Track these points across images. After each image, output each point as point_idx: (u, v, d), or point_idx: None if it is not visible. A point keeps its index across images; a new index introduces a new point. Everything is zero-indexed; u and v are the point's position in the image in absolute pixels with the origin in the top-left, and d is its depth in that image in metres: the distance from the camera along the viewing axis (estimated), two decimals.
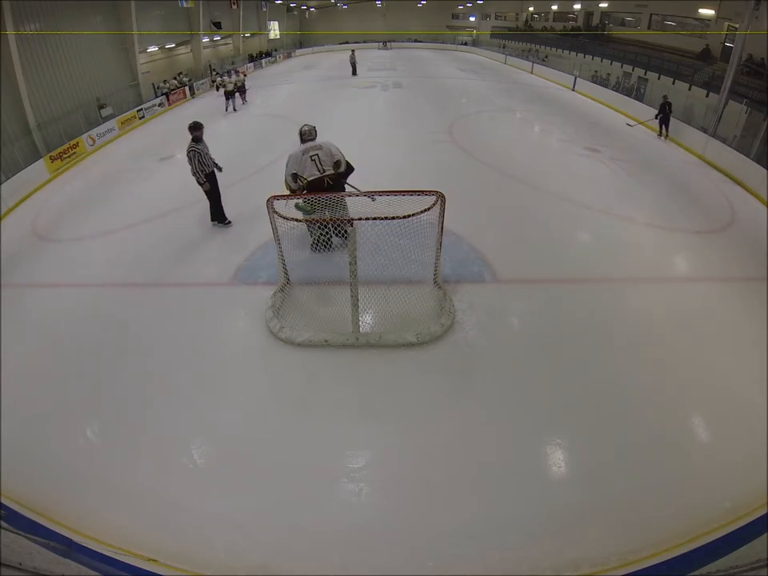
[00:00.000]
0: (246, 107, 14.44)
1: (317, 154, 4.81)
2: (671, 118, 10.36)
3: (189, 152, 5.54)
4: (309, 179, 4.81)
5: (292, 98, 15.40)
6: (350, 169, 5.13)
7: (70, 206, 7.66)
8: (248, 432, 3.20)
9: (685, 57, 14.74)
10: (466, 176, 7.49)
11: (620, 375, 3.58)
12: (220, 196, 6.00)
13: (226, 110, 13.88)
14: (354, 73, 19.89)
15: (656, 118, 10.64)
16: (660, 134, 10.66)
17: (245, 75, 16.34)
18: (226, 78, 15.04)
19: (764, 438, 2.94)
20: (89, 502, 2.79)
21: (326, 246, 5.00)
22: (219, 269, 5.08)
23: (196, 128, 5.59)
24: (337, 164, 4.91)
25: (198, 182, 5.74)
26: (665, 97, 10.57)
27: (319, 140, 4.99)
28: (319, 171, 4.81)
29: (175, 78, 17.43)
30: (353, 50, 21.01)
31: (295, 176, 4.87)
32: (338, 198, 4.15)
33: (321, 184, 4.82)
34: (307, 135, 4.94)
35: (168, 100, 15.81)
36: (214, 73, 20.21)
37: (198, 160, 5.54)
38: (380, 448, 3.09)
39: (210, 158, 5.74)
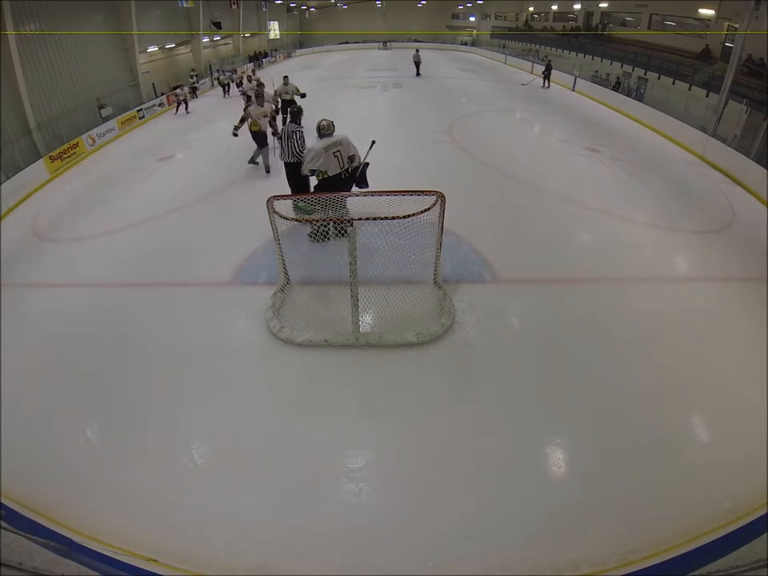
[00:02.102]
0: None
1: (339, 150, 4.94)
2: (551, 73, 16.65)
3: (288, 132, 5.60)
4: (331, 175, 4.96)
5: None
6: (363, 165, 5.23)
7: (70, 206, 7.65)
8: (248, 432, 3.20)
9: (685, 57, 14.75)
10: (466, 176, 7.49)
11: (620, 375, 3.58)
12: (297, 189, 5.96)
13: (267, 172, 7.87)
14: (418, 73, 18.76)
15: (542, 73, 16.77)
16: (543, 85, 16.69)
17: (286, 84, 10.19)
18: (251, 102, 9.15)
19: (764, 438, 2.94)
20: (89, 502, 2.79)
21: (324, 237, 5.10)
22: (219, 269, 5.07)
23: (298, 113, 5.77)
24: (351, 158, 5.07)
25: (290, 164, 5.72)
26: (550, 60, 17.38)
27: (336, 134, 5.05)
28: (341, 167, 5.00)
29: (191, 78, 17.02)
30: (417, 49, 20.46)
31: (313, 171, 4.96)
32: (338, 198, 4.15)
33: (338, 177, 5.03)
34: (326, 130, 4.98)
35: (187, 104, 14.56)
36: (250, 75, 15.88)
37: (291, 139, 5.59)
38: (380, 448, 3.09)
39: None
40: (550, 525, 2.58)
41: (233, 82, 17.61)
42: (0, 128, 9.54)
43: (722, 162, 8.49)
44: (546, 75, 16.57)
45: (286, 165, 5.87)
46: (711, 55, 14.12)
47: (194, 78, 17.50)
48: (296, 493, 2.79)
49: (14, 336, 4.23)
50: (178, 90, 14.84)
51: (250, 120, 7.40)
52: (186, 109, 14.54)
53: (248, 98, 11.33)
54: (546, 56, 18.18)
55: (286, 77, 10.48)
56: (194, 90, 16.35)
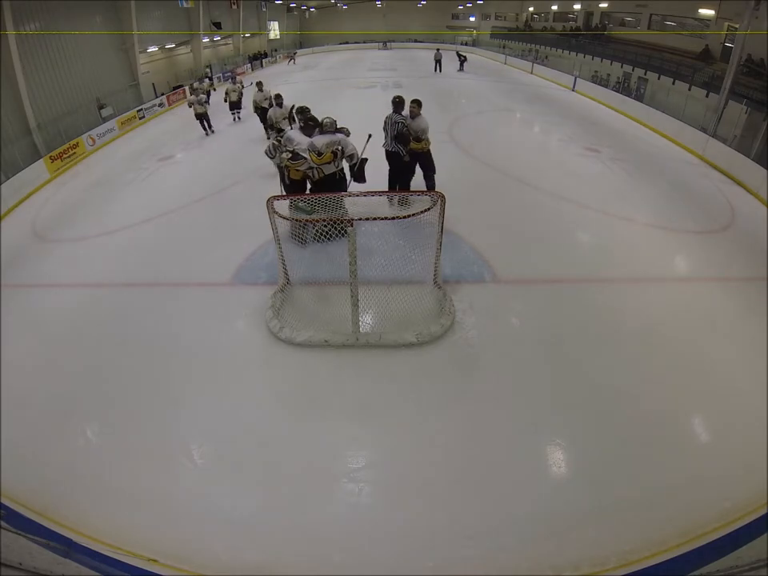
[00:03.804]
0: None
1: (337, 148, 5.00)
2: (464, 64, 20.84)
3: (396, 123, 5.63)
4: (326, 173, 5.00)
5: (292, 98, 15.37)
6: (361, 160, 5.27)
7: (71, 205, 7.65)
8: (248, 432, 3.20)
9: (685, 57, 14.74)
10: (466, 176, 7.48)
11: (620, 375, 3.58)
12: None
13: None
14: (439, 69, 19.83)
15: (458, 59, 20.68)
16: (459, 69, 20.49)
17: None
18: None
19: (764, 438, 2.94)
20: (89, 502, 2.79)
21: (321, 237, 5.09)
22: (219, 269, 5.07)
23: (400, 103, 5.93)
24: (351, 157, 5.12)
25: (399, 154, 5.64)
26: (461, 55, 21.43)
27: (336, 134, 5.10)
28: (336, 167, 5.05)
29: (207, 78, 15.55)
30: (438, 49, 22.01)
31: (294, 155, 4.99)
32: (338, 198, 4.16)
33: (333, 177, 5.07)
34: (328, 128, 5.03)
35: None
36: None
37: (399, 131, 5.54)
38: (380, 448, 3.09)
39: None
40: (550, 525, 2.58)
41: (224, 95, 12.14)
42: (0, 128, 9.54)
43: (721, 162, 8.48)
44: (462, 65, 20.60)
45: (387, 153, 5.84)
46: (711, 55, 14.12)
47: (208, 79, 15.56)
48: (296, 493, 2.79)
49: (14, 336, 4.23)
50: (192, 97, 10.97)
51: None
52: (210, 126, 11.16)
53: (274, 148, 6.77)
54: (461, 55, 21.56)
55: (418, 101, 6.20)
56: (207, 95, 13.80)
